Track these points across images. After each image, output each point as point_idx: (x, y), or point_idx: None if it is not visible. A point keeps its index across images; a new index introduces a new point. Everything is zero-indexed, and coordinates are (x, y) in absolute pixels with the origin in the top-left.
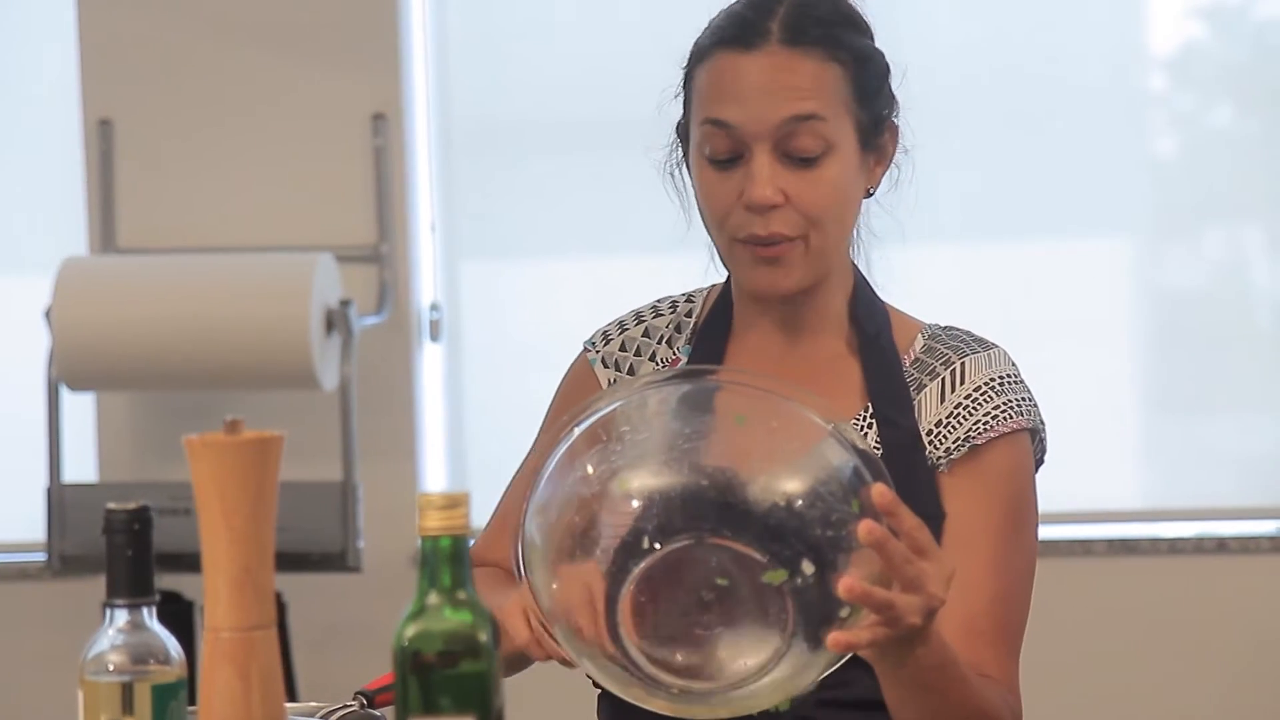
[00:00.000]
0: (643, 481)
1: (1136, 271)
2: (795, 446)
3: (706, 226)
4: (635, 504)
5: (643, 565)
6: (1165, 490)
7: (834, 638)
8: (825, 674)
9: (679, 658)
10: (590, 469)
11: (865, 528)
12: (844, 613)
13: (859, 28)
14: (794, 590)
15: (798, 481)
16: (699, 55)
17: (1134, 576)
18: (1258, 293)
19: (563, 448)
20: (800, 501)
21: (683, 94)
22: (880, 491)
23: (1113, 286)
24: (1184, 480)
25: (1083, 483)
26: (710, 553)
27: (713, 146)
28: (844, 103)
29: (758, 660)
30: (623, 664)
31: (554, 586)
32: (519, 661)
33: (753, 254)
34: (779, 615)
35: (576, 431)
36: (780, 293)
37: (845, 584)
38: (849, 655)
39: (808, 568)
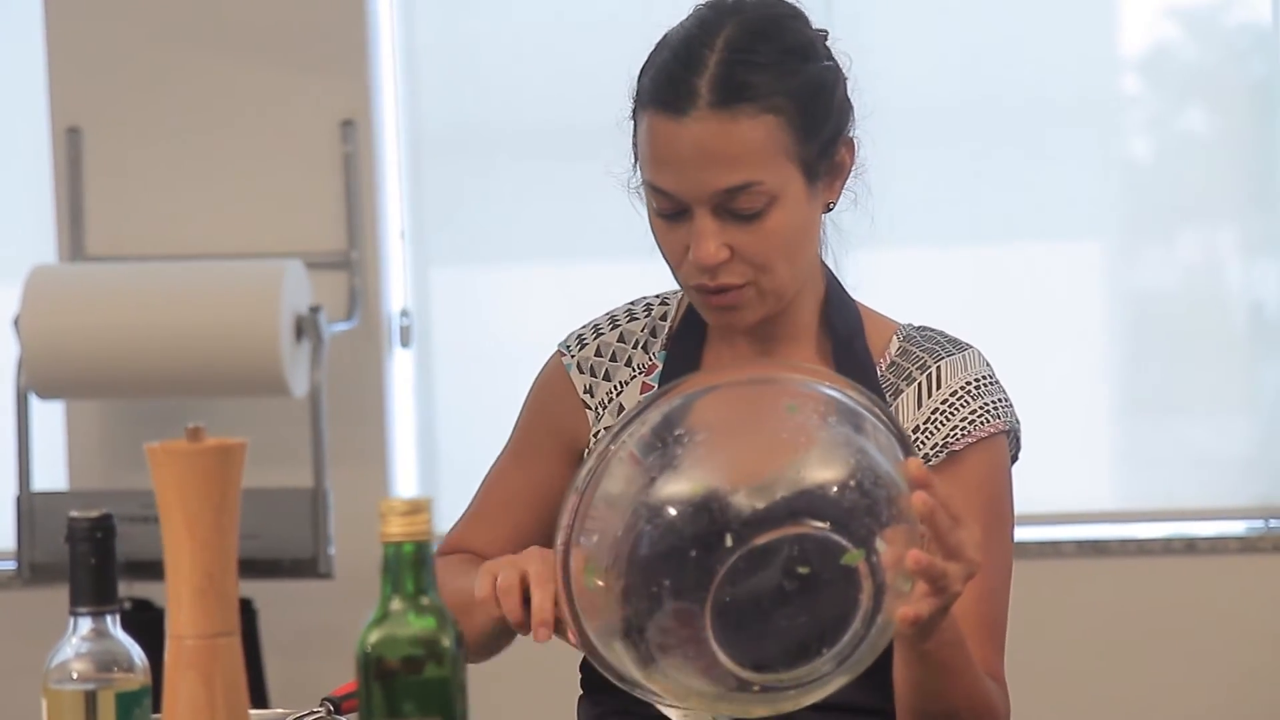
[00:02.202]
0: (713, 483)
1: (1109, 273)
2: (847, 428)
3: (664, 259)
4: (709, 505)
5: (729, 562)
6: (1135, 491)
7: (903, 612)
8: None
9: (765, 652)
10: (649, 481)
11: (920, 499)
12: (906, 586)
13: (803, 54)
14: (870, 569)
15: (860, 460)
16: (639, 100)
17: (1103, 577)
18: (1230, 294)
19: (613, 463)
20: (866, 481)
21: (633, 123)
22: (914, 465)
23: (1086, 288)
24: (1154, 481)
25: (1054, 484)
26: (791, 542)
27: (657, 205)
28: (784, 151)
29: (839, 645)
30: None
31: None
32: (495, 641)
33: (707, 302)
34: (855, 597)
35: (627, 444)
36: (741, 329)
37: (914, 556)
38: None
39: (880, 545)
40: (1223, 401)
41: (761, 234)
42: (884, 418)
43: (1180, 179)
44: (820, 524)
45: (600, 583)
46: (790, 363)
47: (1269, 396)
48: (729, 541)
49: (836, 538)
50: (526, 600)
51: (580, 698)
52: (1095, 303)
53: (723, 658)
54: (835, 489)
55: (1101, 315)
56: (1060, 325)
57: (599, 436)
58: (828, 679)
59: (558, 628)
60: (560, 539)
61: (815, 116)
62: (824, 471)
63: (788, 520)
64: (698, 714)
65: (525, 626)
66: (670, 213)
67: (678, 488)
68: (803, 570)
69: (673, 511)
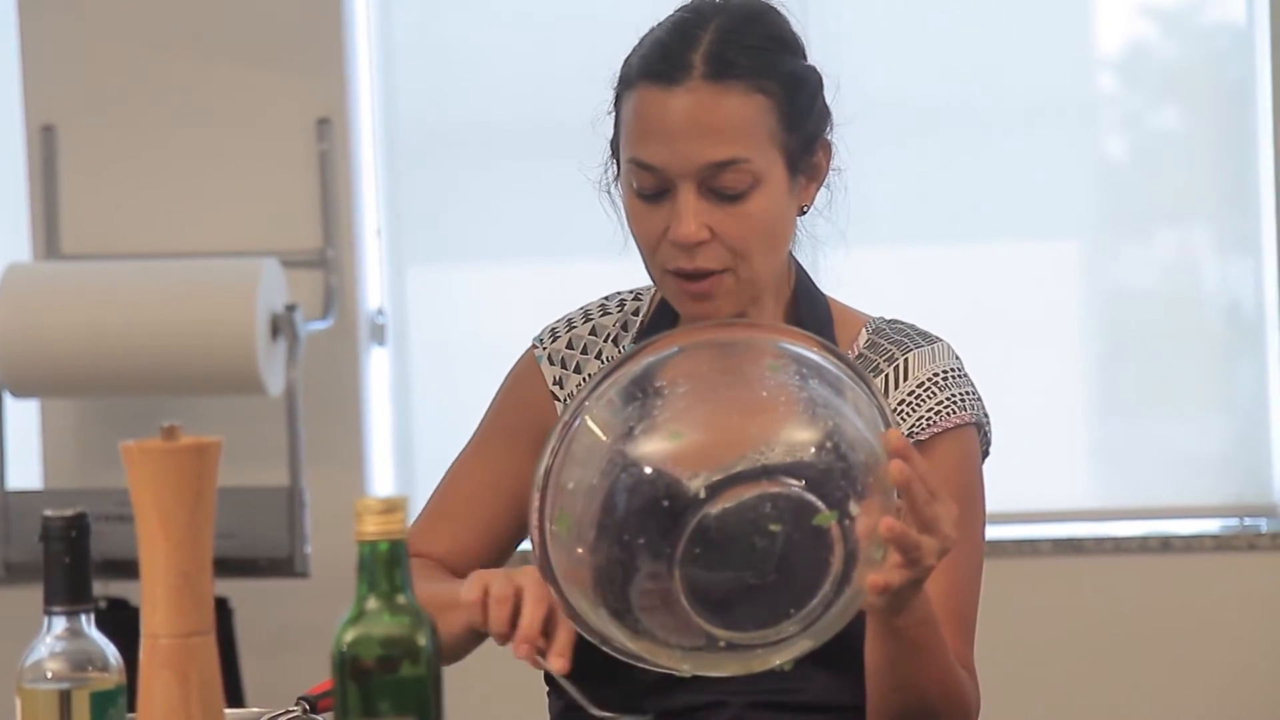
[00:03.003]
0: (691, 436)
1: (1085, 272)
2: (828, 391)
3: (639, 250)
4: (684, 458)
5: (700, 515)
6: (1112, 490)
7: (873, 580)
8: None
9: (733, 608)
10: (627, 431)
11: (897, 467)
12: (878, 554)
13: (790, 48)
14: (842, 533)
15: (839, 424)
16: (627, 81)
17: (1080, 576)
18: (1206, 294)
19: (580, 423)
20: (843, 445)
21: (614, 113)
22: (894, 435)
23: (1062, 287)
24: (1130, 480)
25: (1030, 483)
26: (765, 500)
27: (639, 182)
28: (770, 135)
29: (808, 608)
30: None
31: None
32: (460, 647)
33: (683, 288)
34: (826, 560)
35: (591, 407)
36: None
37: (887, 524)
38: (853, 614)
39: (854, 509)
40: (1198, 400)
41: (743, 217)
42: (865, 386)
43: (1156, 178)
44: (794, 482)
45: (571, 535)
46: (774, 324)
47: (1244, 395)
48: (701, 494)
49: (810, 497)
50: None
51: (548, 692)
52: (1071, 301)
53: (691, 613)
54: (812, 450)
55: (1078, 314)
56: (1037, 324)
57: (577, 390)
58: (793, 640)
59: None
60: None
61: (799, 108)
62: (801, 432)
63: (761, 477)
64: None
65: (506, 638)
66: (652, 191)
67: (653, 444)
68: (774, 528)
69: (647, 468)
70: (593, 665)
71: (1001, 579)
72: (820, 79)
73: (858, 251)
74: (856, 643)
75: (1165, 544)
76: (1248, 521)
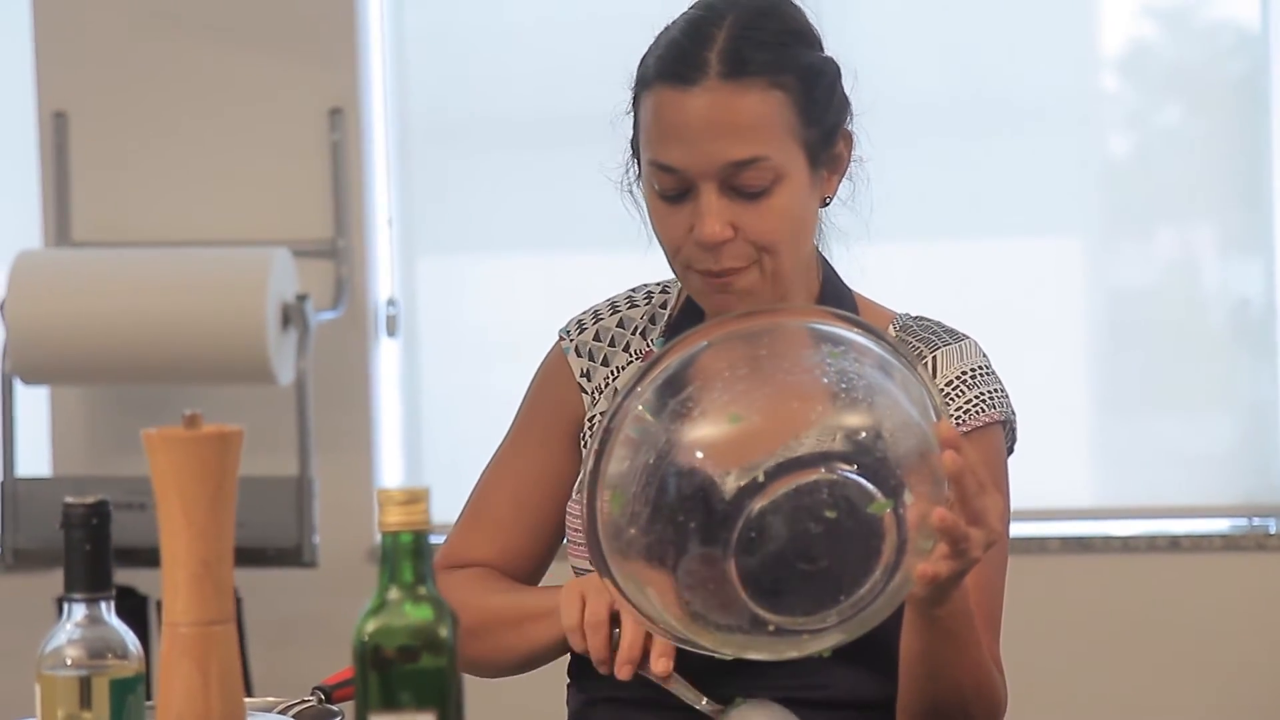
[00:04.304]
0: (750, 419)
1: (1088, 270)
2: (879, 375)
3: (662, 249)
4: (743, 441)
5: (757, 499)
6: (1118, 488)
7: (923, 569)
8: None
9: (783, 593)
10: (684, 414)
11: (951, 458)
12: (927, 545)
13: (806, 41)
14: (895, 522)
15: (893, 410)
16: (644, 82)
17: (1088, 574)
18: (1208, 291)
19: (632, 406)
20: (899, 432)
21: (632, 113)
22: (947, 426)
23: (1064, 285)
24: (1136, 479)
25: (1037, 480)
26: (821, 486)
27: (660, 184)
28: (790, 130)
29: (857, 595)
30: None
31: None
32: (537, 658)
33: (709, 285)
34: (878, 548)
35: (643, 392)
36: None
37: (940, 514)
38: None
39: (907, 498)
40: (1205, 399)
41: (767, 213)
42: (913, 370)
43: (1160, 176)
44: (851, 470)
45: (624, 514)
46: (819, 308)
47: (1250, 395)
48: (760, 478)
49: (867, 485)
50: None
51: (568, 685)
52: (1077, 299)
53: (743, 596)
54: (865, 435)
55: (1080, 311)
56: (1039, 321)
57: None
58: (838, 628)
59: (641, 664)
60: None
61: (818, 101)
62: (858, 417)
63: (819, 464)
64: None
65: (607, 664)
66: (673, 193)
67: (711, 427)
68: (829, 514)
69: (703, 451)
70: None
71: (1010, 576)
72: (838, 69)
73: (863, 247)
74: (885, 640)
75: (1174, 543)
76: (1256, 521)
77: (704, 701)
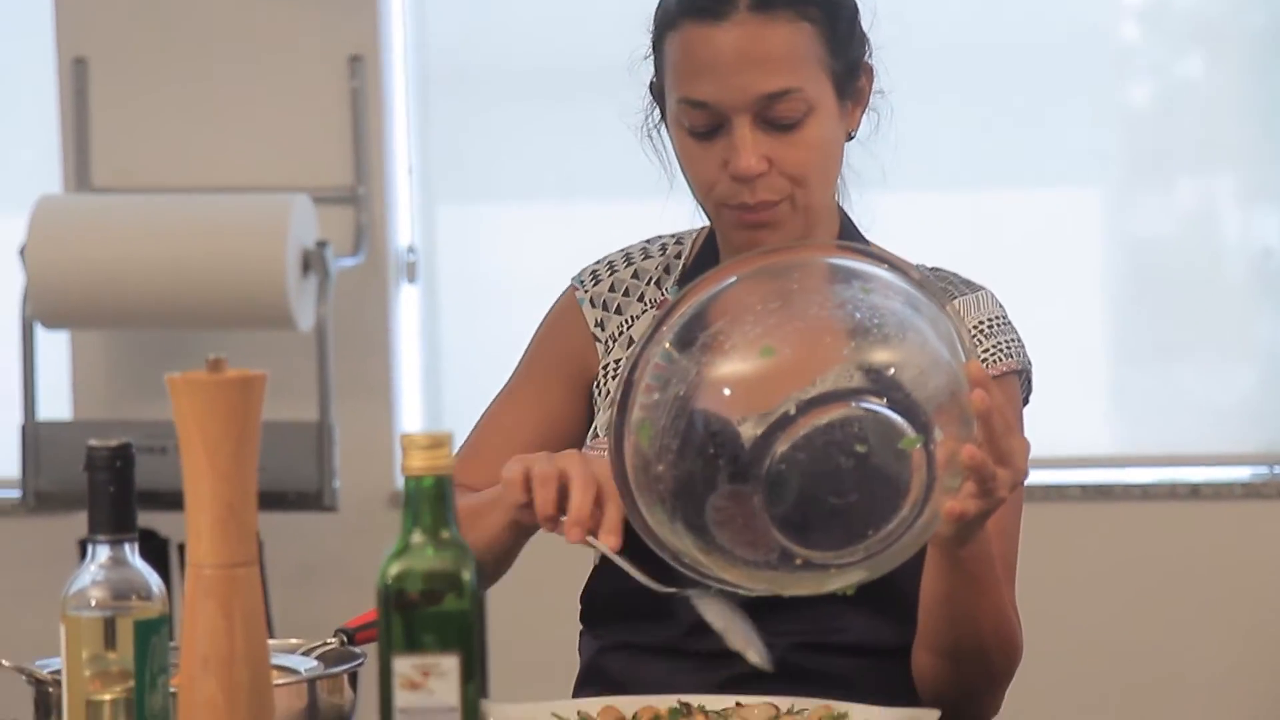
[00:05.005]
0: (782, 352)
1: (1107, 220)
2: (909, 312)
3: (691, 189)
4: (776, 375)
5: (788, 433)
6: (1138, 437)
7: (950, 506)
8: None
9: (811, 527)
10: (715, 347)
11: (980, 397)
12: (954, 482)
13: None
14: (925, 458)
15: (923, 347)
16: (667, 22)
17: (1108, 522)
18: (1228, 242)
19: (662, 341)
20: (929, 369)
21: (653, 56)
22: (976, 365)
23: (1084, 235)
24: (1157, 427)
25: (1056, 429)
26: (853, 420)
27: (691, 121)
28: (819, 61)
29: (885, 531)
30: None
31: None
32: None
33: (742, 220)
34: (907, 484)
35: (668, 332)
36: None
37: (969, 451)
38: (924, 541)
39: (937, 434)
40: (1225, 348)
41: (800, 144)
42: (945, 311)
43: (1179, 126)
44: (882, 404)
45: (653, 446)
46: (849, 244)
47: (1270, 343)
48: (791, 411)
49: (898, 420)
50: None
51: (581, 632)
52: (1094, 249)
53: (773, 528)
54: (894, 371)
55: (1100, 261)
56: (1059, 271)
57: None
58: (861, 565)
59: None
60: (614, 417)
61: (842, 33)
62: (889, 353)
63: (850, 398)
64: (722, 609)
65: (553, 520)
66: (705, 129)
67: (744, 361)
68: (860, 449)
69: (734, 386)
70: (635, 606)
71: (1029, 524)
72: (855, 3)
73: (880, 196)
74: (903, 586)
75: (1194, 491)
76: (1277, 469)
77: (655, 586)
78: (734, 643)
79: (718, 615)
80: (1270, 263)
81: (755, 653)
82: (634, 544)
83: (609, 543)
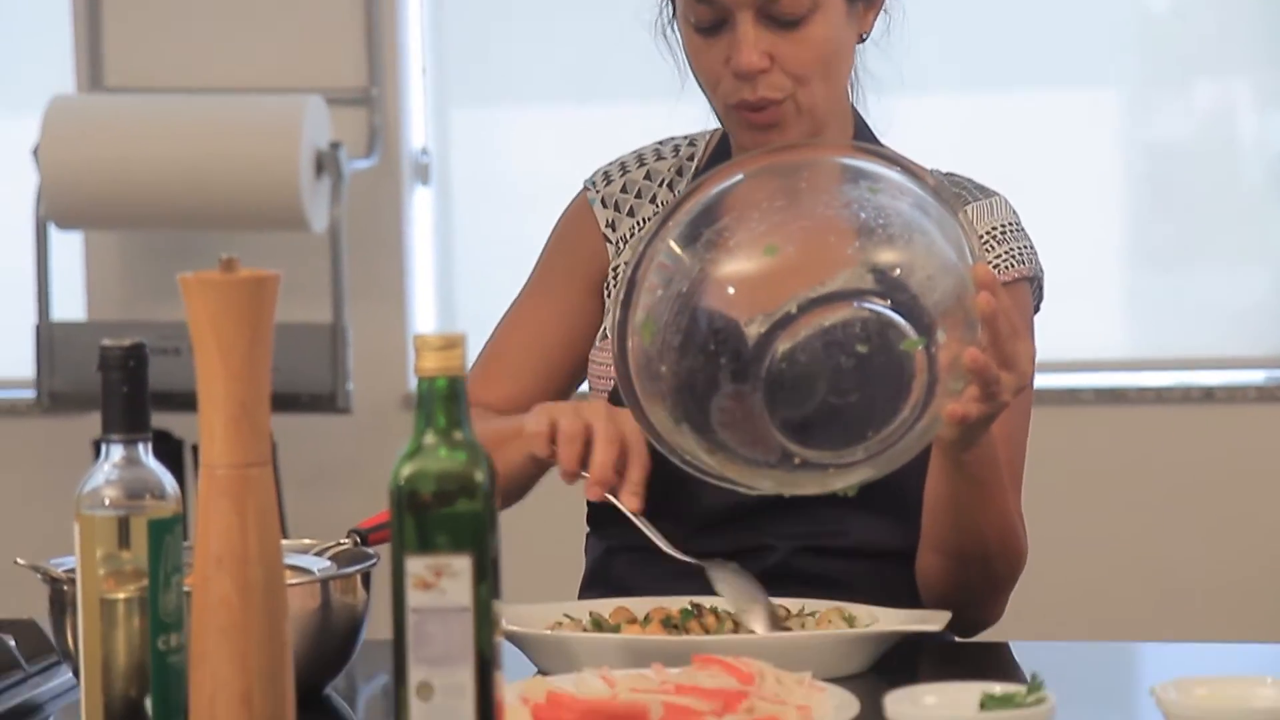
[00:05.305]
0: (785, 251)
1: (1124, 122)
2: (917, 214)
3: (701, 88)
4: (778, 274)
5: (789, 332)
6: (1152, 340)
7: (952, 409)
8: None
9: (812, 427)
10: (719, 244)
11: (986, 300)
12: (957, 385)
13: None
14: (927, 360)
15: (929, 249)
16: None
17: (1122, 425)
18: (1245, 145)
19: (664, 241)
20: (935, 271)
21: None
22: (983, 268)
23: (1101, 138)
24: (1171, 330)
25: (1070, 332)
26: (855, 320)
27: (696, 16)
28: None
29: (885, 432)
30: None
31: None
32: (517, 483)
33: (745, 119)
34: (908, 386)
35: (674, 228)
36: None
37: (972, 354)
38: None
39: (940, 337)
40: (1240, 251)
41: (802, 43)
42: (954, 214)
43: (1197, 29)
44: (885, 305)
45: (655, 343)
46: (857, 144)
47: None
48: (793, 310)
49: (900, 321)
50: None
51: (587, 534)
52: (1110, 152)
53: (772, 427)
54: (899, 272)
55: (1116, 164)
56: (1075, 174)
57: (630, 234)
58: (863, 465)
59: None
60: (618, 316)
61: None
62: (894, 254)
63: (853, 298)
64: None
65: (574, 476)
66: (709, 24)
67: (747, 259)
68: (861, 348)
69: (737, 285)
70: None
71: (1043, 428)
72: None
73: (896, 98)
74: (906, 489)
75: (1208, 395)
76: None
77: (671, 550)
78: (745, 620)
79: (730, 589)
80: None
81: (762, 627)
82: (656, 508)
83: (630, 505)
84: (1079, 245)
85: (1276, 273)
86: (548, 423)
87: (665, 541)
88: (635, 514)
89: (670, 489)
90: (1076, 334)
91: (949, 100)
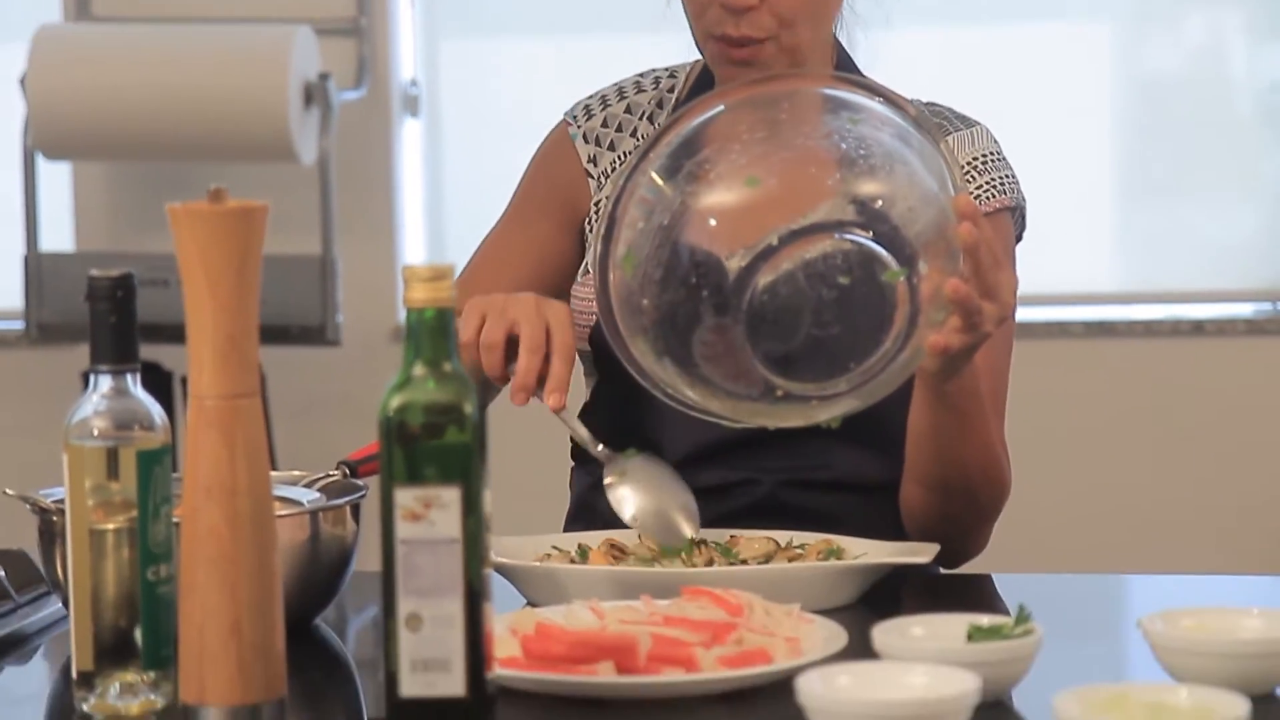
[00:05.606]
0: (767, 183)
1: (1115, 55)
2: (898, 144)
3: (686, 16)
4: (759, 205)
5: (770, 264)
6: (1142, 273)
7: (934, 340)
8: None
9: (794, 359)
10: (699, 176)
11: (967, 230)
12: (939, 316)
13: None
14: (909, 292)
15: (911, 180)
16: None
17: (1111, 358)
18: (1236, 78)
19: (645, 173)
20: (916, 202)
21: None
22: (965, 199)
23: (1093, 70)
24: (1161, 263)
25: (1059, 265)
26: (836, 252)
27: None
28: None
29: (867, 364)
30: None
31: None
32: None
33: (724, 52)
34: (890, 317)
35: (655, 160)
36: None
37: (954, 285)
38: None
39: (922, 268)
40: (1230, 184)
41: None
42: (937, 145)
43: None
44: (866, 236)
45: (636, 276)
46: (837, 74)
47: (1276, 179)
48: (774, 242)
49: (881, 252)
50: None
51: (572, 468)
52: (1102, 84)
53: (754, 359)
54: (883, 204)
55: (1108, 97)
56: (1067, 106)
57: (611, 168)
58: (845, 397)
59: (537, 392)
60: (599, 250)
61: None
62: (875, 185)
63: (834, 230)
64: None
65: (503, 381)
66: None
67: (728, 191)
68: (842, 280)
69: (718, 216)
70: (627, 442)
71: (1032, 361)
72: None
73: (887, 31)
74: (889, 421)
75: (1197, 328)
76: None
77: (599, 447)
78: (663, 539)
79: (636, 491)
80: (1277, 98)
81: (690, 530)
82: (614, 437)
83: (551, 402)
84: (1070, 179)
85: (1266, 206)
86: (476, 326)
87: (591, 439)
88: (555, 411)
89: (654, 423)
90: (1066, 267)
91: (941, 34)
